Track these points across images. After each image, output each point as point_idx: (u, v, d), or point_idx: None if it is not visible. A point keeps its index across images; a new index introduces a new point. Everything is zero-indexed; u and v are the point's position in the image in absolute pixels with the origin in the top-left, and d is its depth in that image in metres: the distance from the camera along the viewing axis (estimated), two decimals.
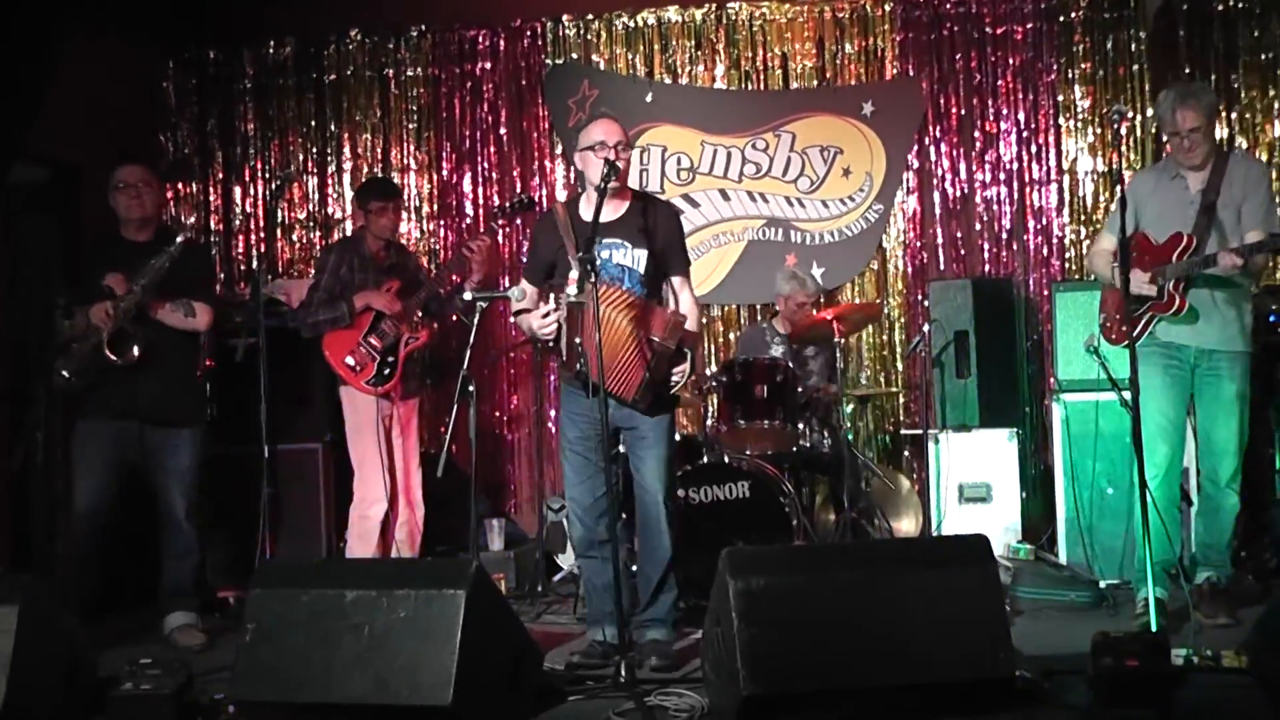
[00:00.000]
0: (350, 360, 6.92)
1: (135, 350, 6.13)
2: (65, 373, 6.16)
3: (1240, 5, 8.06)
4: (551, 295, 5.41)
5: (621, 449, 5.68)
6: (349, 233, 8.67)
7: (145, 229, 6.43)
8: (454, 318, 7.53)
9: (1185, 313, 5.81)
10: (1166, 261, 5.82)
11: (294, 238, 9.11)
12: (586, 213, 5.42)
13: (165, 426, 6.34)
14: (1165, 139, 6.07)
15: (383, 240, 7.13)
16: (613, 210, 5.50)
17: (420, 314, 7.09)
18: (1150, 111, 8.07)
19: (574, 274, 5.19)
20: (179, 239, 6.27)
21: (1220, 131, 8.00)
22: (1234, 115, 8.07)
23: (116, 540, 6.45)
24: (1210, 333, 5.86)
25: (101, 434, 6.25)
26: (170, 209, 9.07)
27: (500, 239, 8.60)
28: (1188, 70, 8.10)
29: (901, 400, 8.54)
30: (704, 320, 5.34)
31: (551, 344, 5.49)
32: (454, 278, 7.21)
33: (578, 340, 5.29)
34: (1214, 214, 5.85)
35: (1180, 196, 5.92)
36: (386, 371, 6.95)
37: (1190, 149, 5.85)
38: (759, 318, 8.53)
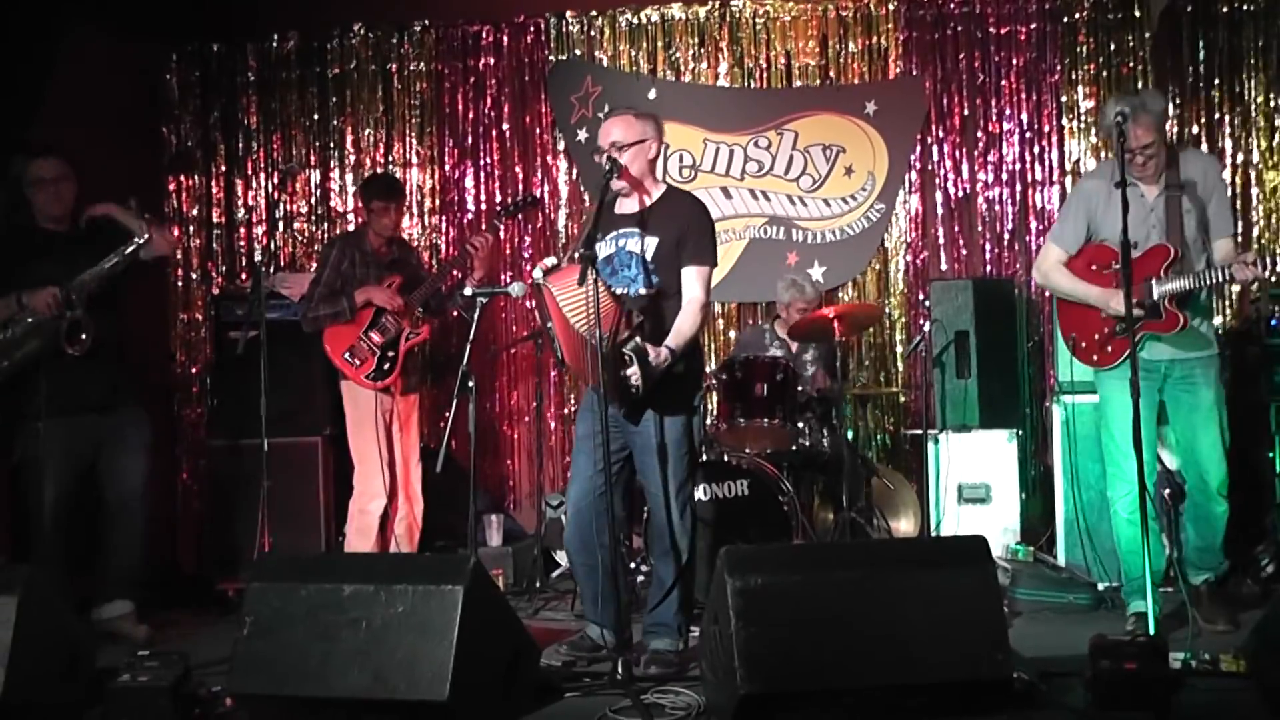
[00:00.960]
0: (350, 355, 6.93)
1: (84, 337, 6.11)
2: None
3: (1246, 7, 8.06)
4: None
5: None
6: (351, 227, 8.70)
7: (64, 220, 6.37)
8: (454, 314, 7.54)
9: (1184, 329, 5.61)
10: (1154, 275, 5.59)
11: (296, 231, 9.10)
12: (619, 207, 5.53)
13: (115, 411, 6.33)
14: (1112, 148, 5.64)
15: (383, 237, 7.15)
16: (636, 203, 5.54)
17: (421, 310, 7.09)
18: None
19: (548, 260, 5.23)
20: (139, 240, 6.23)
21: (1225, 134, 8.02)
22: (1237, 119, 8.07)
23: (91, 532, 6.42)
24: (1185, 342, 5.69)
25: (58, 433, 6.18)
26: (173, 201, 9.08)
27: (502, 236, 8.59)
28: (1192, 72, 8.10)
29: (901, 400, 8.54)
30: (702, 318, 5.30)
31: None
32: (455, 273, 7.21)
33: (549, 325, 5.35)
34: (1181, 219, 5.64)
35: (1138, 203, 5.60)
36: (386, 366, 6.95)
37: (1144, 164, 5.63)
38: (760, 317, 8.54)
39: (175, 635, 6.41)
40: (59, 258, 6.18)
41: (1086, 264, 5.86)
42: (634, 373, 5.16)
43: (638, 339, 5.19)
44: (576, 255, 5.12)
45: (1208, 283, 5.58)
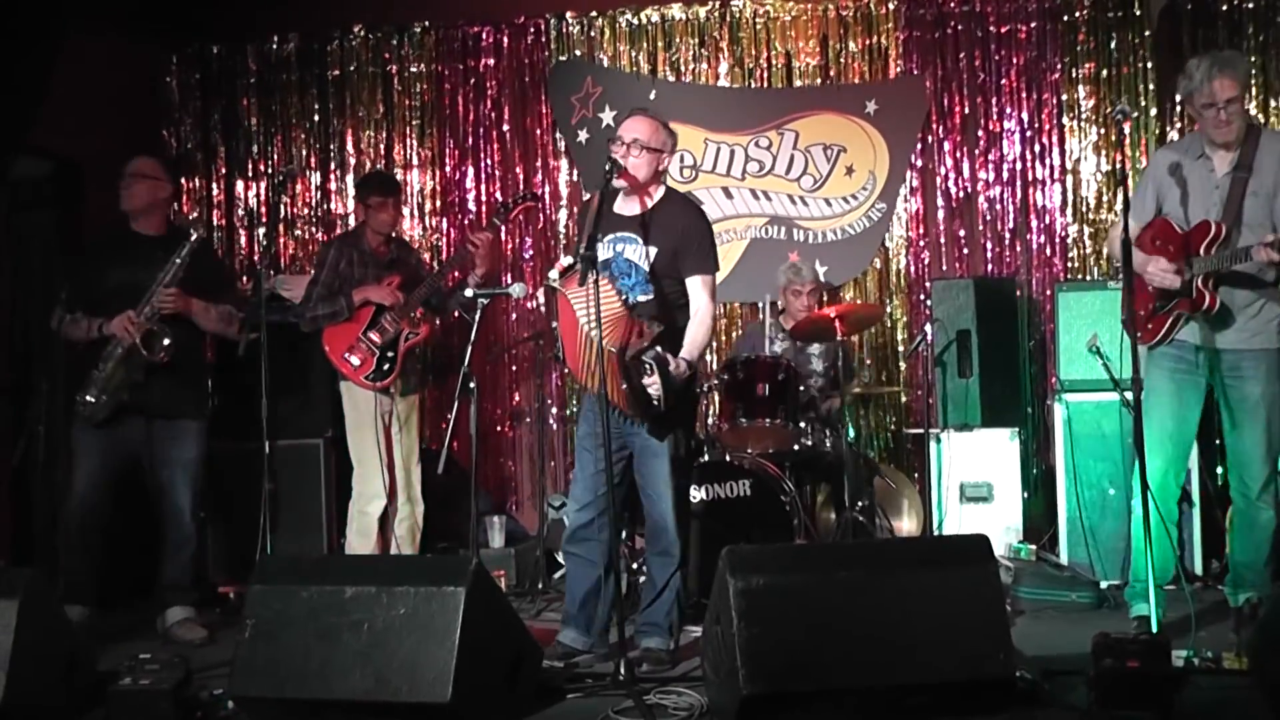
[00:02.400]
0: (349, 355, 6.90)
1: (166, 343, 6.14)
2: (89, 398, 6.15)
3: (1246, 5, 8.05)
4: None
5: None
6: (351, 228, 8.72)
7: (150, 222, 6.42)
8: (455, 314, 7.52)
9: (1216, 311, 5.38)
10: (1194, 252, 5.38)
11: (297, 233, 9.10)
12: (619, 206, 5.49)
13: (173, 419, 6.35)
14: (1196, 112, 5.48)
15: (383, 235, 7.13)
16: (637, 205, 5.52)
17: (421, 310, 7.07)
18: (1154, 111, 8.09)
19: (562, 261, 5.21)
20: (193, 236, 6.26)
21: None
22: None
23: (117, 535, 6.44)
24: (1231, 331, 5.45)
25: (98, 435, 6.24)
26: (174, 203, 9.08)
27: (502, 235, 8.59)
28: None
29: (903, 399, 8.54)
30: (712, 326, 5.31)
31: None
32: (455, 273, 7.20)
33: (555, 325, 5.35)
34: (1243, 199, 5.39)
35: (1205, 179, 5.46)
36: (386, 367, 6.92)
37: (1227, 121, 5.35)
38: (763, 316, 8.53)
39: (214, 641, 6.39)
40: (145, 260, 6.23)
41: (1150, 239, 5.60)
42: (654, 382, 5.17)
43: (658, 348, 5.21)
44: (576, 258, 5.11)
45: (1233, 265, 5.34)
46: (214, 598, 7.19)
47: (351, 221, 8.86)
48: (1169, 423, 5.46)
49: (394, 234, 7.29)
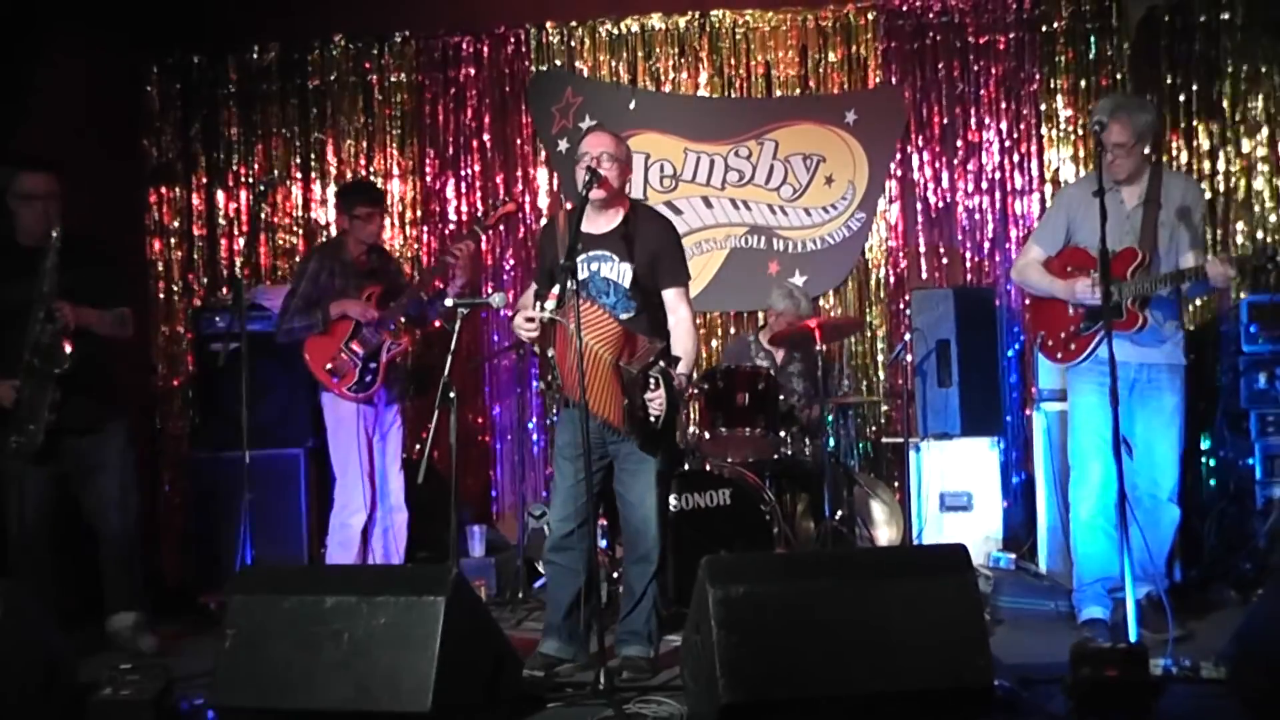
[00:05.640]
0: (331, 367, 6.88)
1: (68, 350, 6.02)
2: (18, 437, 6.07)
3: (1222, 17, 8.09)
4: (536, 302, 5.35)
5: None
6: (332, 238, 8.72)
7: (44, 238, 6.19)
8: (436, 324, 7.52)
9: (1145, 330, 5.81)
10: (1119, 277, 5.76)
11: (277, 242, 9.09)
12: (586, 223, 5.41)
13: (97, 431, 6.30)
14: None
15: (365, 245, 7.10)
16: (606, 222, 5.53)
17: (402, 319, 7.06)
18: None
19: (555, 291, 5.13)
20: (54, 233, 6.06)
21: (1201, 142, 8.05)
22: (1214, 127, 8.10)
23: (93, 549, 6.42)
24: (1150, 348, 5.88)
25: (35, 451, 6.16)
26: (154, 213, 9.07)
27: (483, 245, 8.59)
28: (1169, 81, 8.14)
29: (883, 409, 8.56)
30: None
31: (536, 350, 5.51)
32: (436, 283, 7.19)
33: (550, 353, 5.33)
34: (1156, 229, 5.85)
35: (1116, 209, 5.80)
36: (369, 379, 6.91)
37: (1112, 162, 5.82)
38: (744, 326, 8.56)
39: (163, 649, 6.39)
40: (33, 276, 6.06)
41: (1063, 265, 6.06)
42: (658, 397, 5.21)
43: (663, 363, 5.26)
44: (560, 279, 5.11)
45: (1175, 284, 5.79)
46: (194, 607, 7.20)
47: (333, 231, 8.87)
48: (1105, 430, 5.55)
49: (376, 243, 7.27)
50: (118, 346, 6.52)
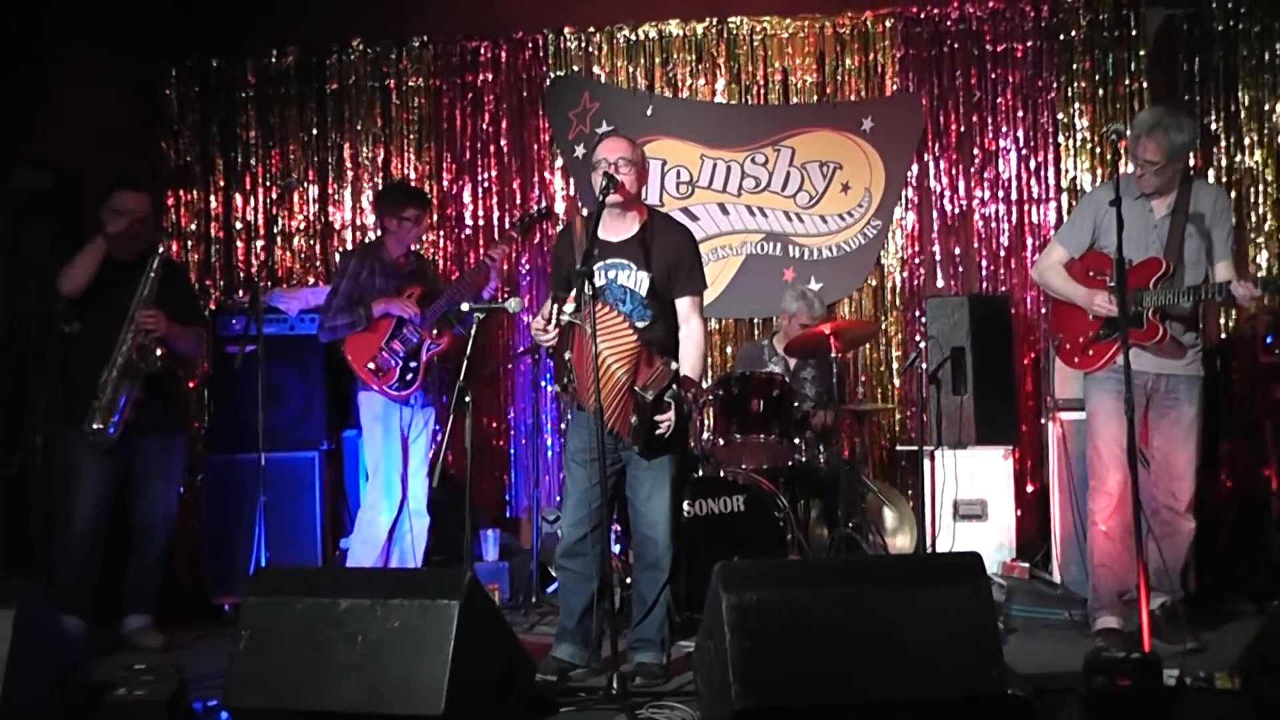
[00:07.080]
0: (374, 365, 6.93)
1: (159, 352, 6.36)
2: (97, 425, 6.28)
3: (1240, 25, 8.08)
4: (554, 305, 5.36)
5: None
6: (350, 241, 8.77)
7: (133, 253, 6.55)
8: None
9: (1165, 341, 5.80)
10: (1142, 286, 5.77)
11: (294, 246, 9.11)
12: (603, 230, 5.42)
13: (165, 435, 6.46)
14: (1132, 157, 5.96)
15: (405, 247, 7.16)
16: (624, 229, 5.53)
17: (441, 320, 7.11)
18: None
19: (574, 291, 5.17)
20: (159, 251, 6.45)
21: (1219, 152, 8.04)
22: (1233, 138, 8.09)
23: (114, 548, 6.49)
24: (1171, 359, 5.88)
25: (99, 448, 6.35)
26: (172, 216, 9.09)
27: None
28: (1185, 92, 8.12)
29: (898, 416, 8.55)
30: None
31: (550, 353, 5.52)
32: (481, 280, 7.25)
33: (568, 356, 5.34)
34: (1183, 241, 5.82)
35: (1144, 219, 5.86)
36: (409, 377, 6.96)
37: (1141, 176, 5.83)
38: (756, 333, 8.55)
39: (171, 649, 6.45)
40: (127, 287, 6.39)
41: (1085, 269, 6.05)
42: (668, 419, 5.28)
43: (675, 386, 5.30)
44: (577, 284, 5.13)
45: (1196, 299, 5.79)
46: (209, 609, 7.22)
47: (348, 233, 8.89)
48: (1124, 439, 5.51)
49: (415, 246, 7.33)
50: (182, 361, 6.90)
